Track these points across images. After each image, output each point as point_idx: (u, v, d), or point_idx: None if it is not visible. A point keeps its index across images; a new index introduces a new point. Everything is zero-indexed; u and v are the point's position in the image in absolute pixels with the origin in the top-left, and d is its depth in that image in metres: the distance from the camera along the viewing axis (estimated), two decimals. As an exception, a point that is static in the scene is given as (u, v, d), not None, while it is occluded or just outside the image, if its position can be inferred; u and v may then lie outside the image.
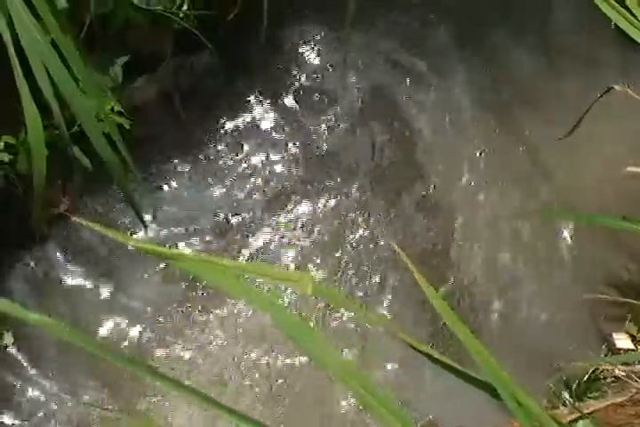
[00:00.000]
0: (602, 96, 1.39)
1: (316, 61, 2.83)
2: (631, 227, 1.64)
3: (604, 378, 2.26)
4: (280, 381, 2.37)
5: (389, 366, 2.41)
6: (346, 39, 2.76)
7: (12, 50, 1.79)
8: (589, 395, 2.05)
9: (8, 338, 2.33)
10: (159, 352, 2.39)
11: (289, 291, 2.39)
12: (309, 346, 0.70)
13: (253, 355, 2.40)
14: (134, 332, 2.40)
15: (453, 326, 0.71)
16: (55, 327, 0.60)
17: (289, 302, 2.43)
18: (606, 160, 2.61)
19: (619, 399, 1.18)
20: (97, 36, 2.22)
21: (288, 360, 2.38)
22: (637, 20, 1.38)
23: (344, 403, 2.33)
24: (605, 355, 2.43)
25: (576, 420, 0.99)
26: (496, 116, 2.77)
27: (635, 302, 2.08)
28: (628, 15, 1.38)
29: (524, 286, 2.54)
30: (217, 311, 2.46)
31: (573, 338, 2.46)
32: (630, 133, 2.69)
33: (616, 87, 1.38)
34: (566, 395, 2.23)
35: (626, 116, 2.60)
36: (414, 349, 0.79)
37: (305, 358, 2.31)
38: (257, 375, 2.38)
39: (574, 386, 2.27)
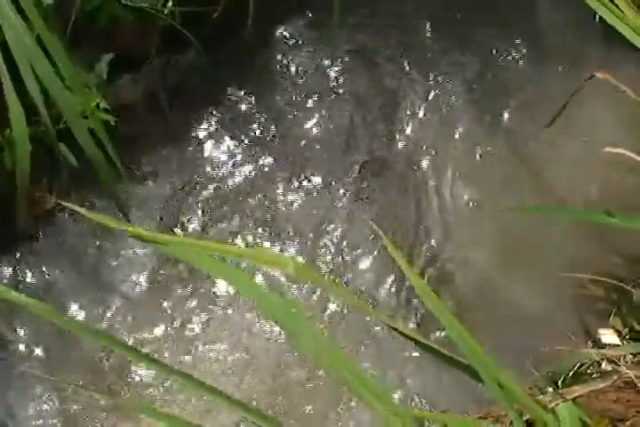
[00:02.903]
0: (585, 82, 1.41)
1: (303, 59, 2.84)
2: (615, 222, 1.66)
3: (590, 374, 2.27)
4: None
5: (371, 350, 2.43)
6: (333, 37, 2.77)
7: (-4, 46, 1.79)
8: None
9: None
10: (152, 344, 2.40)
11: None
12: (292, 327, 0.71)
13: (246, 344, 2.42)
14: (124, 326, 2.41)
15: (432, 306, 0.72)
16: (44, 310, 0.61)
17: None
18: (589, 152, 2.63)
19: (601, 385, 1.20)
20: (82, 33, 2.22)
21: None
22: (623, 13, 1.40)
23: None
24: (591, 352, 2.44)
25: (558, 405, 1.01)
26: (481, 113, 2.78)
27: (625, 286, 2.10)
28: (614, 9, 1.40)
29: (507, 282, 2.55)
30: (207, 300, 2.47)
31: (558, 334, 2.47)
32: (613, 123, 2.71)
33: (598, 75, 1.40)
34: (551, 390, 2.24)
35: (608, 105, 2.62)
36: (398, 332, 0.80)
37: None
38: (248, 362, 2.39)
39: (559, 382, 2.28)
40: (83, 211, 0.86)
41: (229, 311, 2.46)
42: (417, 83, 2.83)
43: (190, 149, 2.68)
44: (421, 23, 2.90)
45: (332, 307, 2.45)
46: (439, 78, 2.83)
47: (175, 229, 2.55)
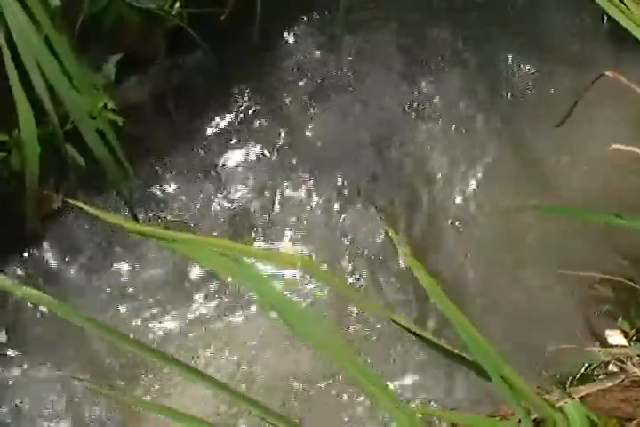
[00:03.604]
0: (594, 82, 1.40)
1: (310, 60, 2.84)
2: (624, 224, 1.65)
3: (597, 375, 2.27)
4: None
5: (378, 349, 2.43)
6: (339, 37, 2.78)
7: (4, 47, 1.80)
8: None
9: (1, 336, 2.34)
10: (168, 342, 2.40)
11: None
12: (293, 320, 0.71)
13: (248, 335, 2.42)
14: (134, 326, 2.41)
15: (441, 305, 0.72)
16: (47, 302, 0.62)
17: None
18: (595, 154, 2.63)
19: (608, 384, 1.20)
20: (90, 35, 2.23)
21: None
22: (630, 10, 1.39)
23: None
24: (598, 352, 2.43)
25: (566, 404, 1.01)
26: (488, 116, 2.78)
27: (634, 284, 2.09)
28: (621, 6, 1.40)
29: (513, 283, 2.55)
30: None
31: (565, 335, 2.47)
32: (622, 123, 2.71)
33: (608, 74, 1.39)
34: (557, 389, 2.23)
35: (617, 105, 2.62)
36: (407, 330, 0.80)
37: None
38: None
39: (567, 382, 2.28)
40: (90, 209, 0.86)
41: (236, 311, 2.47)
42: (419, 84, 2.83)
43: (197, 149, 2.69)
44: (424, 23, 2.91)
45: (340, 305, 2.46)
46: (441, 80, 2.83)
47: (182, 229, 2.56)
